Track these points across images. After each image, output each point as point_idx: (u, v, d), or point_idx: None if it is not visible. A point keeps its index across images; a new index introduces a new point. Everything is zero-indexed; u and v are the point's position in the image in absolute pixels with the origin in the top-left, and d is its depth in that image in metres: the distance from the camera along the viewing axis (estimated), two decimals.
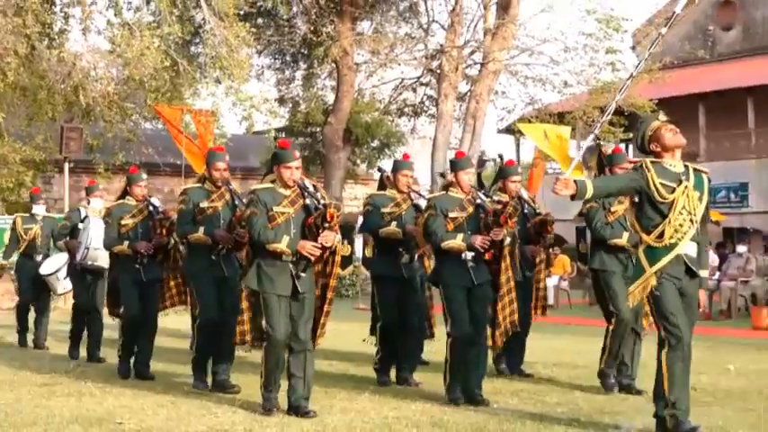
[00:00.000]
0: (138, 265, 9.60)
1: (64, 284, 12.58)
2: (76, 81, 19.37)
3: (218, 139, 20.11)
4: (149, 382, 9.24)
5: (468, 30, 26.31)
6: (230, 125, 23.82)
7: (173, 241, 9.73)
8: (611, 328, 8.70)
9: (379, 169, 9.95)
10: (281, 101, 28.88)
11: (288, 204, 7.51)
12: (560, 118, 24.52)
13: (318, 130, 28.09)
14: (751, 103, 26.88)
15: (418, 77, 28.35)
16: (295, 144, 7.57)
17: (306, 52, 27.00)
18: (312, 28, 24.42)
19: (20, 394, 8.52)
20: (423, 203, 9.10)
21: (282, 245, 7.36)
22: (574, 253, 10.53)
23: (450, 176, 8.49)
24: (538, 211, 9.62)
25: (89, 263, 10.94)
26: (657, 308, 6.58)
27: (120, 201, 9.90)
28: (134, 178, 9.86)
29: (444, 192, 8.50)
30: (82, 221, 11.56)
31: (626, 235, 8.57)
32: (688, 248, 6.63)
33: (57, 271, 12.47)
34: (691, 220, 6.60)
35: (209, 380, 8.82)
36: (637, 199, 6.76)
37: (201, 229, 8.66)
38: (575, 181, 6.45)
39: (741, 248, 19.72)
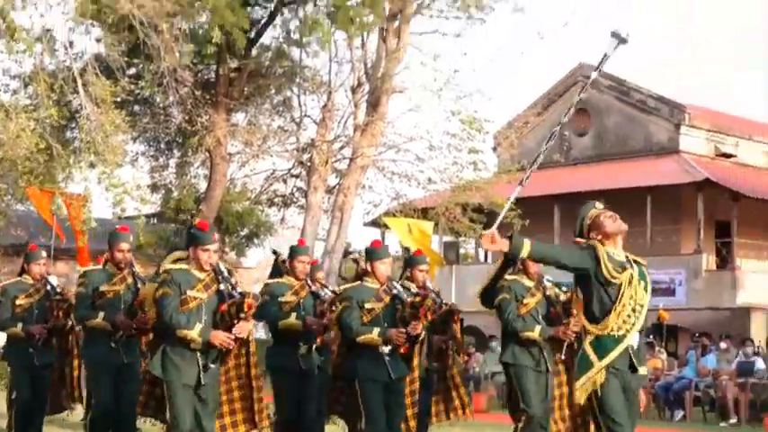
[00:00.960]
0: (30, 350, 8.96)
1: None
2: None
3: (86, 224, 20.05)
4: None
5: (338, 125, 26.76)
6: (101, 210, 23.68)
7: (70, 324, 9.12)
8: (519, 426, 8.36)
9: (274, 252, 9.57)
10: (154, 187, 28.88)
11: (202, 289, 7.02)
12: (424, 213, 25.08)
13: (190, 217, 28.12)
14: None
15: (289, 169, 28.58)
16: (213, 227, 7.31)
17: (180, 140, 27.17)
18: (187, 117, 24.52)
19: None
20: (325, 292, 8.87)
21: (194, 332, 6.84)
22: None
23: (366, 265, 8.17)
24: (445, 302, 9.25)
25: None
26: (602, 406, 6.25)
27: (17, 279, 9.34)
28: (32, 256, 9.29)
29: (359, 282, 8.18)
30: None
31: (538, 328, 8.29)
32: (634, 341, 6.38)
33: None
34: (636, 310, 6.34)
35: None
36: (579, 290, 6.53)
37: (101, 314, 8.08)
38: (509, 236, 6.28)
39: None
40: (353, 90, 25.89)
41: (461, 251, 38.02)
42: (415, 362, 8.19)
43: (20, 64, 21.36)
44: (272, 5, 24.83)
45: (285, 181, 29.41)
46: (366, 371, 7.90)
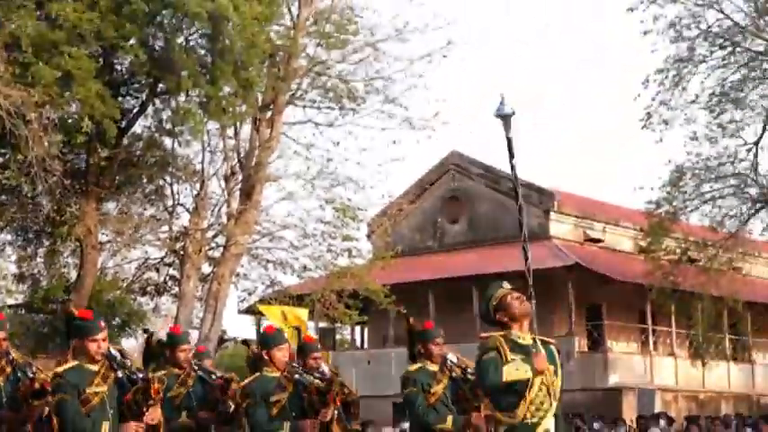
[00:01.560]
0: None
1: None
2: None
3: None
4: None
5: (212, 213, 26.61)
6: None
7: None
8: None
9: (146, 331, 9.28)
10: (21, 277, 28.21)
11: (100, 382, 6.57)
12: (299, 300, 25.06)
13: (59, 306, 27.52)
14: (476, 290, 28.45)
15: (162, 258, 28.30)
16: (97, 314, 6.81)
17: (49, 230, 26.59)
18: (56, 206, 24.07)
19: None
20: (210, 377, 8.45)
21: None
22: None
23: (263, 353, 7.81)
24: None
25: None
26: None
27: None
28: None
29: (259, 374, 7.78)
30: None
31: (450, 418, 7.88)
32: (550, 425, 6.17)
33: None
34: (550, 394, 6.13)
35: None
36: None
37: None
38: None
39: None
40: (227, 179, 25.87)
41: (338, 337, 37.99)
42: None
43: None
44: (144, 95, 24.65)
45: (158, 269, 29.05)
46: None
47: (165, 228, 26.97)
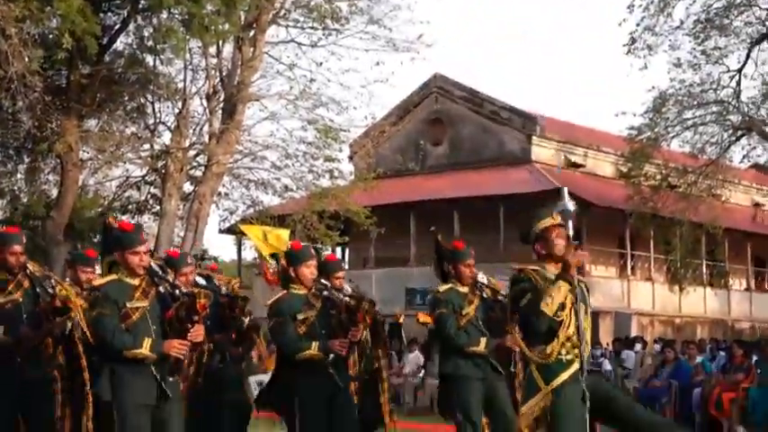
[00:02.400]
0: None
1: None
2: None
3: None
4: None
5: (193, 132, 26.60)
6: None
7: None
8: None
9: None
10: (1, 194, 28.16)
11: (141, 297, 6.28)
12: (281, 220, 25.08)
13: (39, 224, 27.52)
14: (457, 213, 28.54)
15: (143, 176, 28.26)
16: (139, 225, 6.71)
17: (30, 146, 26.48)
18: (37, 123, 23.94)
19: None
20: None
21: (145, 349, 6.12)
22: None
23: (289, 270, 7.48)
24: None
25: None
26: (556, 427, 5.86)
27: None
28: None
29: (286, 291, 7.49)
30: None
31: (484, 340, 7.80)
32: (581, 365, 5.98)
33: None
34: (580, 333, 5.91)
35: None
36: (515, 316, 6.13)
37: (1, 328, 6.92)
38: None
39: None
40: (209, 98, 25.72)
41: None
42: (355, 368, 7.75)
43: None
44: (125, 12, 24.36)
45: (139, 188, 29.06)
46: (307, 389, 7.26)
47: (147, 146, 26.92)
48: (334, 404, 7.27)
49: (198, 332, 6.26)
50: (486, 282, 8.15)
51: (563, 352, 5.89)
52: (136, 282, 6.29)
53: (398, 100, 31.99)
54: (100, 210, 28.44)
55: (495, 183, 28.65)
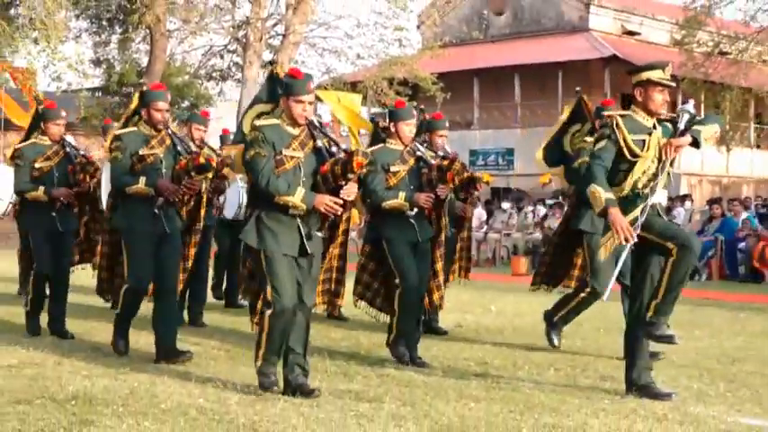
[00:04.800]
0: (53, 214, 7.79)
1: None
2: None
3: (37, 97, 19.72)
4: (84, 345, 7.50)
5: (271, 3, 26.55)
6: (43, 84, 23.23)
7: (94, 189, 8.03)
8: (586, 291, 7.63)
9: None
10: (97, 62, 28.45)
11: (298, 147, 5.82)
12: (353, 87, 25.12)
13: (132, 90, 27.85)
14: (517, 80, 28.29)
15: (225, 45, 28.46)
16: (308, 75, 5.86)
17: (121, 18, 26.67)
18: None
19: None
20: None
21: (296, 198, 5.70)
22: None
23: (389, 125, 7.13)
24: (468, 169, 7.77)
25: None
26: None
27: (31, 141, 7.89)
28: (51, 115, 7.84)
29: (382, 144, 7.15)
30: None
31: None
32: (661, 198, 6.03)
33: None
34: (660, 169, 5.88)
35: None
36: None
37: (142, 179, 6.76)
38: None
39: (506, 206, 21.00)
40: None
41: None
42: (442, 224, 7.32)
43: None
44: None
45: (222, 56, 29.24)
46: (394, 232, 7.03)
47: (229, 17, 26.97)
48: (416, 251, 7.09)
49: (350, 190, 5.81)
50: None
51: (639, 186, 5.86)
52: (296, 131, 5.84)
53: None
54: (187, 77, 28.64)
55: (554, 50, 28.22)
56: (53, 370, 6.40)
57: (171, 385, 5.94)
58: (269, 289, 5.72)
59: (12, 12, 22.85)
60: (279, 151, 5.72)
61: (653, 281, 5.97)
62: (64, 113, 7.96)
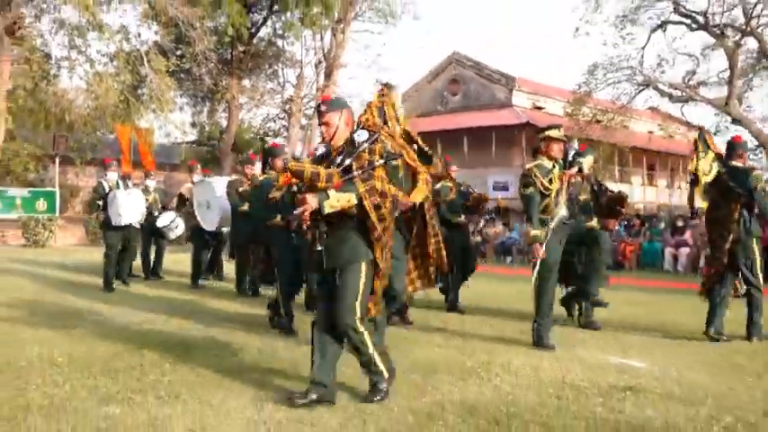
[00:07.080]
0: (293, 234, 6.09)
1: (176, 232, 10.19)
2: (64, 106, 18.70)
3: (152, 147, 19.75)
4: None
5: (307, 87, 26.42)
6: (158, 138, 23.13)
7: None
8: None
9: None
10: (193, 124, 28.36)
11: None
12: None
13: (216, 143, 27.80)
14: (465, 139, 28.09)
15: (277, 114, 28.47)
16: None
17: (210, 96, 26.62)
18: (213, 82, 24.08)
19: None
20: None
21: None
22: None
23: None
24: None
25: (121, 222, 8.92)
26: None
27: (265, 175, 6.59)
28: (276, 152, 6.53)
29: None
30: (107, 193, 9.07)
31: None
32: (563, 211, 5.74)
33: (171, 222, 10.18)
34: (561, 192, 5.68)
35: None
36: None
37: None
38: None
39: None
40: (316, 66, 25.65)
41: None
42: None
43: (107, 46, 20.59)
44: (265, 12, 24.20)
45: (275, 121, 29.17)
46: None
47: (279, 96, 26.92)
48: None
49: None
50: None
51: (555, 212, 5.70)
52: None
53: (429, 68, 31.42)
54: (252, 134, 28.52)
55: (490, 118, 28.22)
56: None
57: None
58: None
59: (138, 91, 22.77)
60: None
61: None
62: (286, 150, 6.91)
